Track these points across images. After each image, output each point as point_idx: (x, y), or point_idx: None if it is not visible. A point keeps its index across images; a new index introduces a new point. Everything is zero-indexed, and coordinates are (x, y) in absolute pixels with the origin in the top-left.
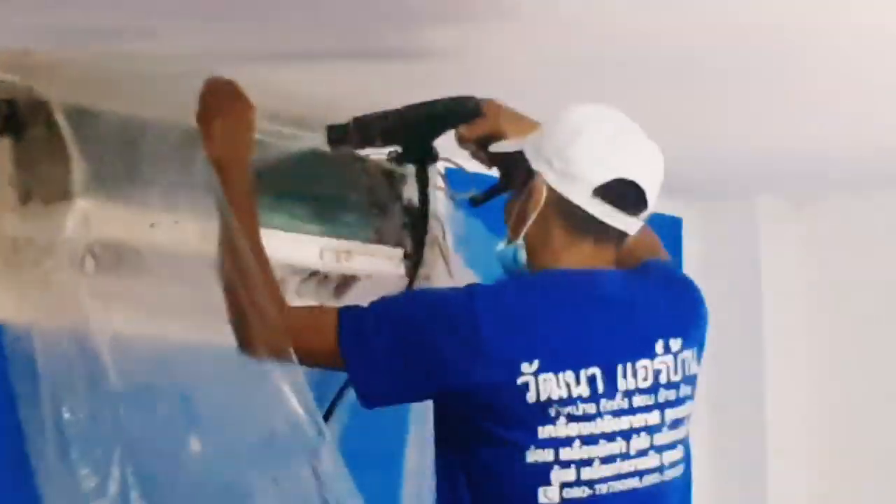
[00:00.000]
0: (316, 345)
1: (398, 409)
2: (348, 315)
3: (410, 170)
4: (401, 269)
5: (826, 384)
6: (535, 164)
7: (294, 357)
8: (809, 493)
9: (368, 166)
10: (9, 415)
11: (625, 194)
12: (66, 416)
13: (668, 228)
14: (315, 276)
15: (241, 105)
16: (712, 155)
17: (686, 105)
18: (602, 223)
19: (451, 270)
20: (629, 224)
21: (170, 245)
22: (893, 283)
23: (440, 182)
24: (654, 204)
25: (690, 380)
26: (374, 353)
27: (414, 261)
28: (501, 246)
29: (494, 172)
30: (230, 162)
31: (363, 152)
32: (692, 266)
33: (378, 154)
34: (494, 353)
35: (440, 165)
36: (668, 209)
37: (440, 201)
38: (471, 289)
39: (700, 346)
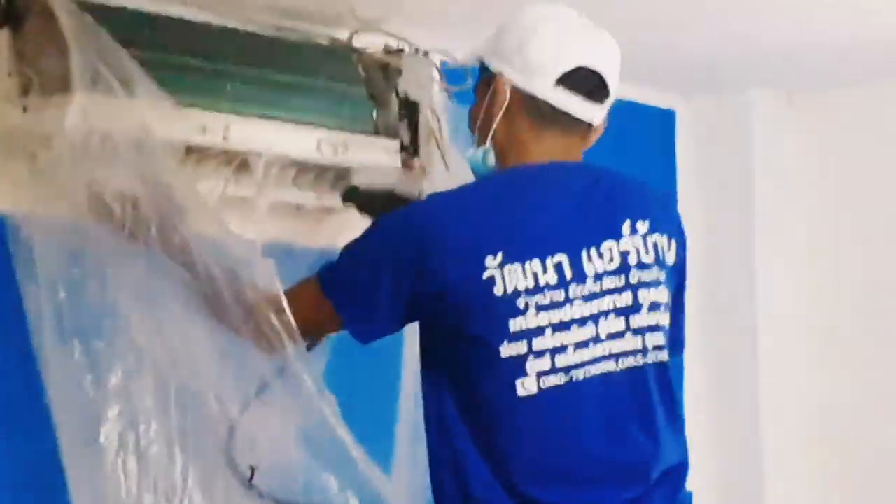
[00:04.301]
0: (314, 316)
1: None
2: (326, 273)
3: (407, 62)
4: (397, 161)
5: (821, 276)
6: (496, 66)
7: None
8: (802, 385)
9: (365, 58)
10: (10, 301)
11: (586, 81)
12: (65, 307)
13: (662, 121)
14: (313, 166)
15: None
16: (705, 47)
17: None
18: (567, 114)
19: (447, 162)
20: (594, 112)
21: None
22: (888, 174)
23: (435, 74)
24: (616, 92)
25: (666, 266)
26: (355, 292)
27: (410, 152)
28: (471, 151)
29: None
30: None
31: None
32: (686, 159)
33: (374, 48)
34: (457, 251)
35: (435, 58)
36: (662, 102)
37: (436, 94)
38: (430, 198)
39: (675, 237)
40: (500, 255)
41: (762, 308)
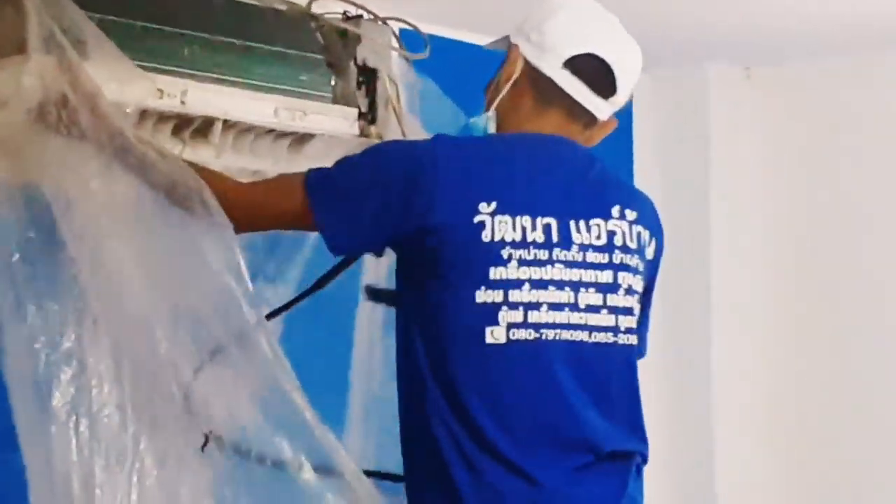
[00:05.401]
0: (285, 205)
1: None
2: (315, 172)
3: (366, 29)
4: (355, 129)
5: (776, 252)
6: (515, 38)
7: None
8: (755, 361)
9: (323, 25)
10: None
11: (594, 71)
12: (18, 270)
13: None
14: (270, 133)
15: None
16: (663, 21)
17: None
18: (570, 98)
19: (404, 131)
20: (598, 106)
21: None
22: (842, 148)
23: (394, 42)
24: (627, 95)
25: (645, 258)
26: (341, 200)
27: (368, 120)
28: (474, 118)
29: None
30: None
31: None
32: (643, 132)
33: (333, 14)
34: (452, 191)
35: (394, 25)
36: None
37: (394, 62)
38: (436, 136)
39: (656, 235)
40: (493, 204)
41: (716, 285)
